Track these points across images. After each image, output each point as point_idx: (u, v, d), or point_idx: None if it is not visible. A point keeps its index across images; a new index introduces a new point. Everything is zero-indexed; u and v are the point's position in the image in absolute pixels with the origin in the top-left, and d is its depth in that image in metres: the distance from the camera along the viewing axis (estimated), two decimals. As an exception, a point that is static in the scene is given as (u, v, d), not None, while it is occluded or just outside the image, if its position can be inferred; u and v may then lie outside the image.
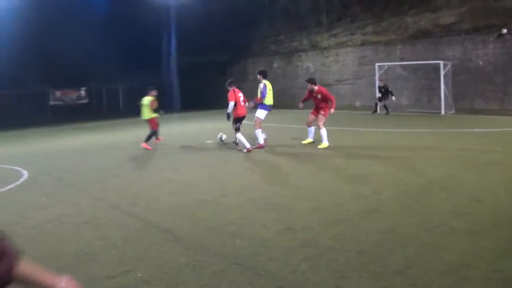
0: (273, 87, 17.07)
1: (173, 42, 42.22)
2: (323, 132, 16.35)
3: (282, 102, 36.79)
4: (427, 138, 18.06)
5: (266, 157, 14.97)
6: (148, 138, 18.05)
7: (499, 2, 29.91)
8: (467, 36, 30.75)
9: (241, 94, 16.54)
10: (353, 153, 15.05)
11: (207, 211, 8.72)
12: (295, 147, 16.86)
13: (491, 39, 29.65)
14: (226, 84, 16.68)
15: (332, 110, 16.67)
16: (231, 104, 16.01)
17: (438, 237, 6.87)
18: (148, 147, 17.87)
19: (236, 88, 16.44)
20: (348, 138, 18.70)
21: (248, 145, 15.99)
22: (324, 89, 17.21)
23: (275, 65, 43.09)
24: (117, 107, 41.20)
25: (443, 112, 28.77)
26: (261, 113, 16.73)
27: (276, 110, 30.63)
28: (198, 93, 41.32)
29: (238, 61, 45.13)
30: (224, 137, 18.39)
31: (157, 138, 18.66)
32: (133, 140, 20.23)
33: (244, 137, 16.12)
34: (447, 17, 32.42)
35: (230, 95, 16.14)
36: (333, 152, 15.11)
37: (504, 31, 28.59)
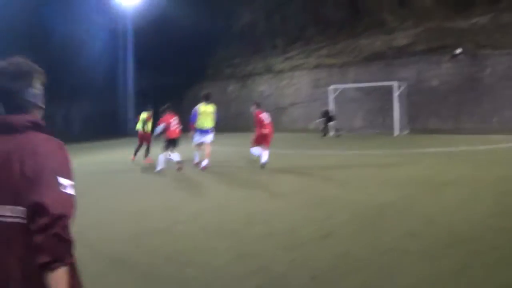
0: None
1: (129, 66, 41.87)
2: (252, 151, 17.01)
3: (237, 126, 36.84)
4: (381, 159, 18.08)
5: (218, 182, 14.66)
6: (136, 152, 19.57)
7: (453, 23, 30.47)
8: (421, 57, 31.23)
9: (175, 118, 17.28)
10: (307, 176, 14.89)
11: (160, 239, 8.39)
12: (248, 171, 16.65)
13: (445, 59, 30.11)
14: (163, 108, 17.62)
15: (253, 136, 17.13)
16: (161, 126, 16.96)
17: (392, 260, 6.73)
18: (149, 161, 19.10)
19: (171, 112, 17.37)
20: (302, 161, 18.63)
21: (159, 167, 16.81)
22: (258, 115, 16.85)
23: (230, 88, 43.07)
24: (72, 131, 40.61)
25: (397, 133, 29.02)
26: (194, 137, 17.47)
27: (232, 134, 30.58)
28: (154, 118, 40.94)
29: (193, 85, 45.11)
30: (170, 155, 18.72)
31: (133, 156, 19.72)
32: (88, 165, 19.87)
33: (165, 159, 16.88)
34: (401, 39, 32.97)
35: (163, 118, 17.13)
36: (286, 176, 14.99)
37: (458, 51, 29.07)
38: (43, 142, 2.54)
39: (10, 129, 2.55)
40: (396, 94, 29.55)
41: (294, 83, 37.86)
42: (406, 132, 29.44)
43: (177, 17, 38.51)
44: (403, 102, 30.34)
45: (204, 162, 17.03)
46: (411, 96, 30.84)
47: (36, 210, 2.33)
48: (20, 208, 2.40)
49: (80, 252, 7.78)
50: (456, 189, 11.65)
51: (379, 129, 30.87)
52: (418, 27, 32.45)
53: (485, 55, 28.83)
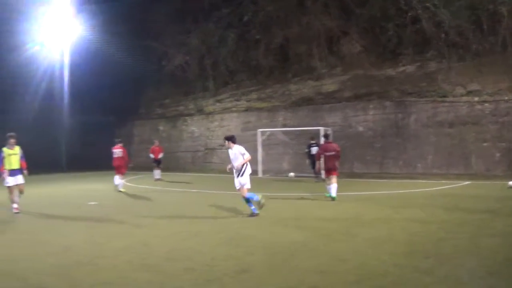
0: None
1: (65, 101, 41.13)
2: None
3: (167, 165, 36.79)
4: (304, 202, 18.41)
5: (144, 219, 14.66)
6: None
7: (380, 71, 31.34)
8: (347, 103, 31.91)
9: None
10: (228, 216, 15.02)
11: (84, 271, 8.57)
12: (172, 209, 16.73)
13: (371, 106, 30.85)
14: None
15: None
16: None
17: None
18: None
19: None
20: (225, 201, 18.53)
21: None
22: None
23: (161, 128, 43.23)
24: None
25: (324, 176, 29.37)
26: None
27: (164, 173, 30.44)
28: (85, 153, 40.56)
29: (125, 123, 45.09)
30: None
31: None
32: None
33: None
34: (329, 85, 33.63)
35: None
36: (210, 215, 15.08)
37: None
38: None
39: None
40: (322, 138, 29.94)
41: (224, 125, 38.11)
42: (332, 175, 29.80)
43: (111, 56, 38.55)
44: (329, 146, 30.78)
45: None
46: (337, 141, 31.27)
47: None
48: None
49: (8, 284, 7.82)
50: (371, 230, 11.97)
51: (305, 172, 31.24)
52: (346, 74, 33.22)
53: (410, 103, 29.68)
